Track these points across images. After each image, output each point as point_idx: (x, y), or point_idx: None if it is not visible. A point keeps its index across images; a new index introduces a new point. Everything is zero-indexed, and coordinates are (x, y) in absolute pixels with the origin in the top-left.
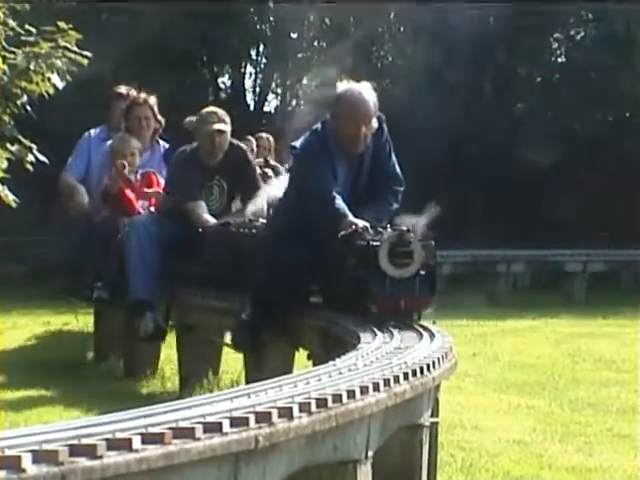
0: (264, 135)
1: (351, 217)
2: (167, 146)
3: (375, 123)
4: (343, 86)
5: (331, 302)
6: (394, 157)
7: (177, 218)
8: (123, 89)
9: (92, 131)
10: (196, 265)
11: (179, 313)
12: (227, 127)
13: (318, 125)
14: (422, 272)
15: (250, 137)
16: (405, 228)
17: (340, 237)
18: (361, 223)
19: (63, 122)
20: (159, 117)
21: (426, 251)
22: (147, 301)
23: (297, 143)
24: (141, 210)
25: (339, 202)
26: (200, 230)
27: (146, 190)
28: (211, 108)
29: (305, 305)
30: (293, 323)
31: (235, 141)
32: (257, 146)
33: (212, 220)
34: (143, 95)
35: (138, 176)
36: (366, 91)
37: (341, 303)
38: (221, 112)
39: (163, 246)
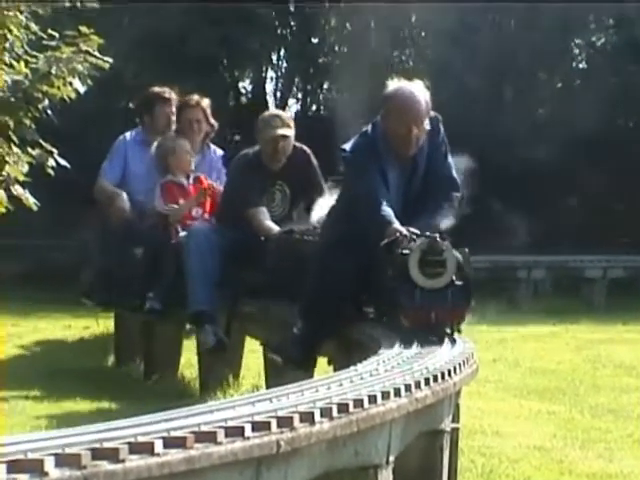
0: None
1: (396, 224)
2: (220, 152)
3: (428, 124)
4: (393, 85)
5: (380, 313)
6: (450, 160)
7: (237, 225)
8: (165, 92)
9: (127, 134)
10: (258, 274)
11: (240, 325)
12: (291, 131)
13: (368, 127)
14: (457, 282)
15: None
16: (437, 236)
17: (383, 245)
18: (405, 230)
19: (84, 126)
20: (211, 120)
21: (461, 260)
22: (207, 312)
23: (347, 146)
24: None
25: (385, 208)
26: (263, 238)
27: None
28: (274, 111)
29: (357, 316)
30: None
31: (298, 144)
32: None
33: (275, 227)
34: (195, 97)
35: (190, 180)
36: (418, 90)
37: (379, 316)
38: (285, 115)
39: (223, 255)
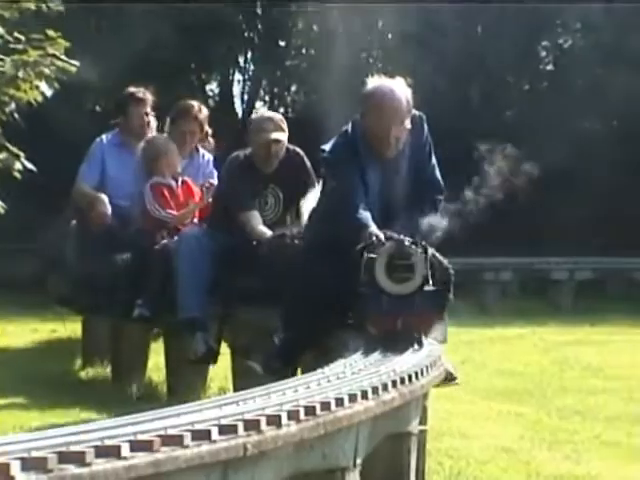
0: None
1: (372, 228)
2: (209, 156)
3: (408, 123)
4: (373, 82)
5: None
6: (435, 161)
7: (229, 229)
8: (140, 92)
9: (104, 137)
10: (251, 280)
11: (232, 332)
12: (284, 135)
13: (348, 126)
14: (427, 288)
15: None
16: (406, 240)
17: (357, 249)
18: (381, 234)
19: (52, 129)
20: (206, 128)
21: (433, 264)
22: (198, 319)
23: (327, 146)
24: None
25: (362, 211)
26: (255, 242)
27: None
28: (267, 114)
29: (339, 323)
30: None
31: (291, 146)
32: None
33: (268, 232)
34: (195, 107)
35: (179, 182)
36: (398, 87)
37: (357, 322)
38: (278, 118)
39: (215, 259)
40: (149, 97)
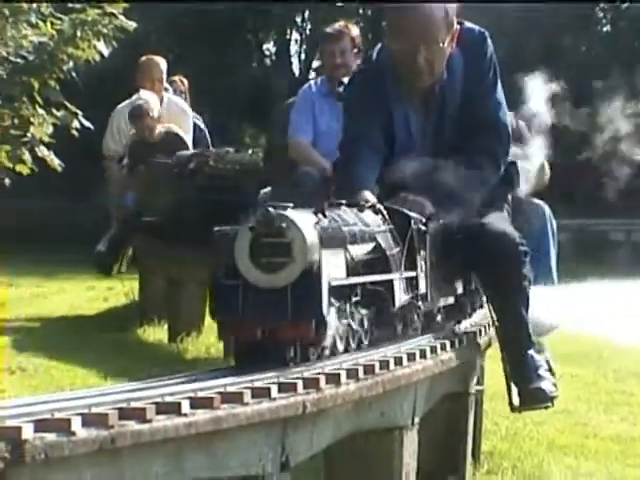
0: (176, 78)
1: (366, 192)
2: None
3: (449, 42)
4: None
5: None
6: (500, 96)
7: None
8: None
9: (312, 83)
10: None
11: None
12: None
13: (374, 50)
14: (312, 279)
15: (175, 78)
16: (280, 205)
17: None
18: (375, 201)
19: (108, 87)
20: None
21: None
22: None
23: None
24: None
25: (361, 168)
26: None
27: None
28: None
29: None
30: None
31: None
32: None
33: None
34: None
35: None
36: None
37: None
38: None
39: None
40: (352, 32)
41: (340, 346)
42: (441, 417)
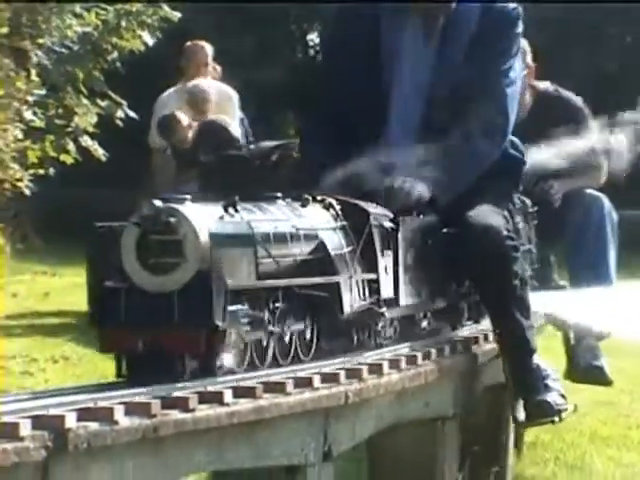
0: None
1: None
2: None
3: None
4: None
5: None
6: (510, 68)
7: None
8: None
9: None
10: None
11: None
12: None
13: None
14: (206, 283)
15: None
16: (171, 197)
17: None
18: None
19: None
20: None
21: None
22: None
23: None
24: None
25: (319, 131)
26: None
27: None
28: None
29: None
30: None
31: None
32: None
33: None
34: None
35: None
36: None
37: None
38: None
39: None
40: None
41: (255, 358)
42: (484, 408)
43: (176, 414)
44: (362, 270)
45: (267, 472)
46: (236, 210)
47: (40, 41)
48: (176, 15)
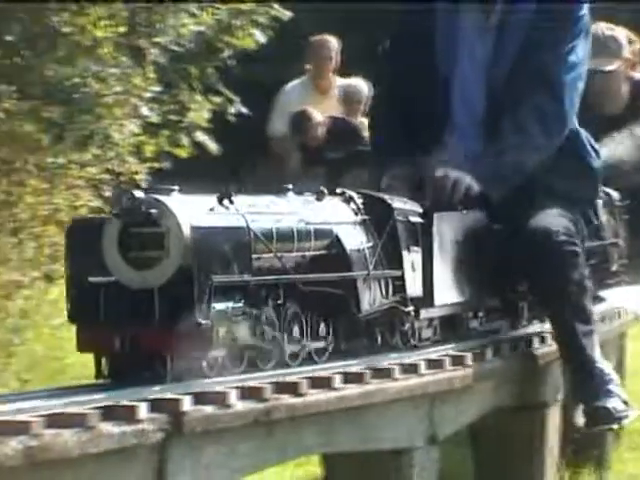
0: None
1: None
2: None
3: None
4: None
5: None
6: (572, 54)
7: None
8: None
9: None
10: None
11: None
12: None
13: None
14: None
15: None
16: (155, 188)
17: None
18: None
19: (265, 74)
20: None
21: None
22: None
23: None
24: None
25: (387, 117)
26: None
27: None
28: None
29: None
30: None
31: None
32: None
33: None
34: None
35: None
36: None
37: None
38: None
39: None
40: None
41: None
42: None
43: (287, 398)
44: (385, 267)
45: (374, 455)
46: (231, 202)
47: (156, 40)
48: (286, 14)
